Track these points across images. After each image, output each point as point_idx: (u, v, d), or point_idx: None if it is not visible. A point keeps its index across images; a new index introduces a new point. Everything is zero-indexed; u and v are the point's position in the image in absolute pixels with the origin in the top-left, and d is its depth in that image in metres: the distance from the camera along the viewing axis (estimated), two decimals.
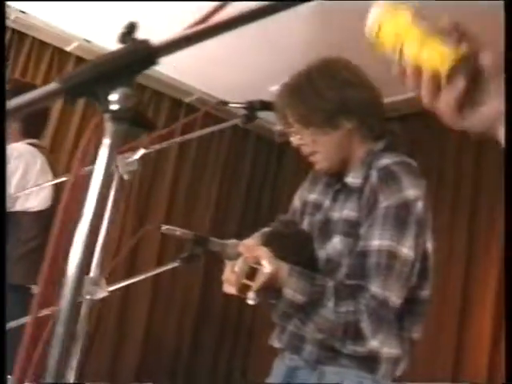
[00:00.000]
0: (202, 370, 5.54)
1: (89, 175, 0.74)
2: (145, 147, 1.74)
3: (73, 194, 0.77)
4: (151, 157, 5.39)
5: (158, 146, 1.83)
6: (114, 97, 0.76)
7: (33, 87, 2.71)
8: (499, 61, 0.91)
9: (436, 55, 0.88)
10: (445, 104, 0.91)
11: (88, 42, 4.93)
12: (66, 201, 0.78)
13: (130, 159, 1.72)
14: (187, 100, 5.57)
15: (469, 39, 0.90)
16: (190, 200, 5.60)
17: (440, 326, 4.38)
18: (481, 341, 4.14)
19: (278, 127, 5.82)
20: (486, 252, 4.30)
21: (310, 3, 0.93)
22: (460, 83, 0.89)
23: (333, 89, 1.85)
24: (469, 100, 0.91)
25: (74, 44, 5.01)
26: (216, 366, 5.63)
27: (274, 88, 5.02)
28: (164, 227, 1.76)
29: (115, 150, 0.74)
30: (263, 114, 5.78)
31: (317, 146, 1.90)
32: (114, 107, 0.75)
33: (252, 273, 1.67)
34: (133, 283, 5.16)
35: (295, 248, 1.89)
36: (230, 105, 1.89)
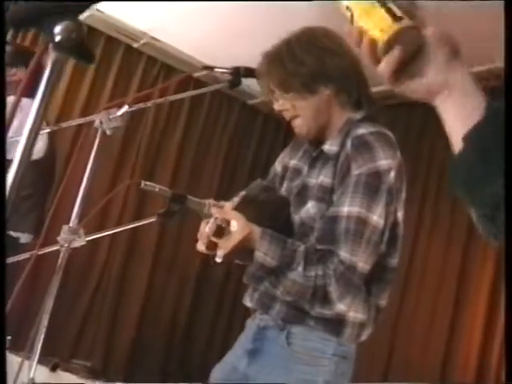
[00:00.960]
0: (199, 341, 5.60)
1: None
2: (129, 104, 1.78)
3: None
4: (160, 122, 5.44)
5: (142, 105, 1.87)
6: (58, 29, 0.80)
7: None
8: (441, 36, 1.01)
9: (378, 24, 0.99)
10: (382, 69, 1.00)
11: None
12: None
13: (114, 115, 1.77)
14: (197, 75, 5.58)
15: (414, 16, 1.00)
16: (196, 170, 5.62)
17: (431, 327, 4.41)
18: (471, 342, 4.16)
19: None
20: (480, 258, 4.32)
21: None
22: (396, 52, 0.98)
23: (311, 54, 1.89)
24: (408, 69, 1.00)
25: None
26: (212, 337, 5.67)
27: None
28: (143, 183, 1.81)
29: (54, 78, 0.78)
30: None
31: (296, 111, 1.93)
32: (57, 38, 0.80)
33: (221, 232, 1.71)
34: (133, 253, 5.24)
35: (270, 213, 1.94)
36: (216, 69, 1.93)
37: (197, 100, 5.60)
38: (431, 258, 4.53)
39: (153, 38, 5.12)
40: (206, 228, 1.72)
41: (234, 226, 1.70)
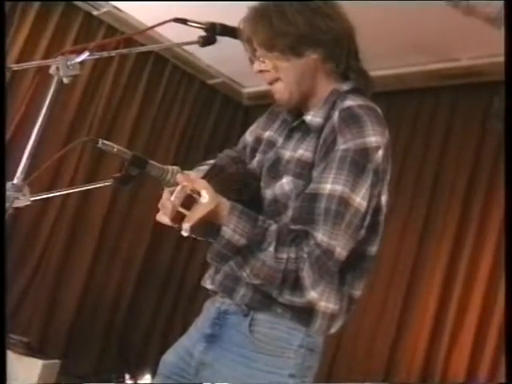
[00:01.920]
0: (140, 325, 5.35)
1: None
2: (90, 51, 1.53)
3: None
4: (119, 88, 5.16)
5: (106, 54, 1.62)
6: None
7: None
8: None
9: None
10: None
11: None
12: None
13: (73, 61, 1.52)
14: None
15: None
16: (152, 142, 5.38)
17: (378, 325, 4.28)
18: (417, 341, 4.05)
19: (247, 90, 5.65)
20: (435, 247, 4.19)
21: None
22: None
23: (302, 14, 1.68)
24: None
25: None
26: (154, 322, 5.45)
27: None
28: (101, 141, 1.57)
29: None
30: (234, 75, 5.55)
31: (278, 73, 1.72)
32: None
33: (189, 202, 1.49)
34: (79, 230, 4.96)
35: (238, 186, 1.72)
36: (189, 23, 1.70)
37: (156, 74, 5.35)
38: (384, 254, 4.40)
39: (114, 7, 4.84)
40: (172, 197, 1.49)
41: (205, 196, 1.47)
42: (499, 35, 3.85)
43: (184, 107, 5.56)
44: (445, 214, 4.15)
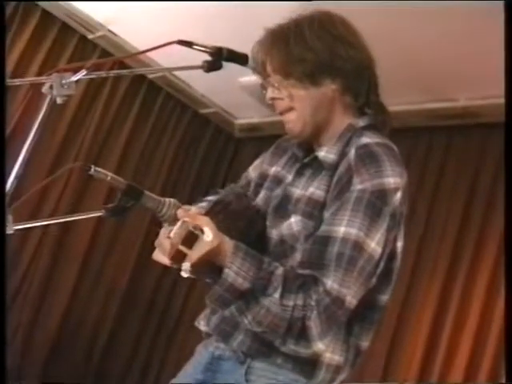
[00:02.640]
0: (120, 355, 5.10)
1: None
2: (87, 69, 1.38)
3: None
4: (110, 113, 4.98)
5: (103, 73, 1.48)
6: None
7: None
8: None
9: None
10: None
11: None
12: None
13: (68, 80, 1.36)
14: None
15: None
16: (139, 172, 5.16)
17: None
18: (415, 341, 3.88)
19: (239, 121, 5.51)
20: (432, 261, 4.03)
21: None
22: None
23: (323, 41, 1.55)
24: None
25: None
26: (135, 354, 5.19)
27: (243, 79, 4.71)
28: (93, 168, 1.41)
29: None
30: (228, 106, 5.42)
31: (293, 102, 1.59)
32: None
33: (190, 240, 1.33)
34: (62, 253, 4.75)
35: (243, 224, 1.56)
36: (195, 47, 1.55)
37: (149, 101, 5.18)
38: None
39: (110, 31, 4.70)
40: (172, 233, 1.33)
41: (209, 234, 1.31)
42: (497, 77, 3.79)
43: (175, 135, 5.38)
44: (437, 251, 4.02)
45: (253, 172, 1.83)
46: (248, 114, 5.40)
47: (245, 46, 1.60)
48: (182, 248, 1.31)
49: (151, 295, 5.26)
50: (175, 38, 1.54)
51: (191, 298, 5.23)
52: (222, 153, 5.73)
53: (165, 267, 1.46)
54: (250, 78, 4.58)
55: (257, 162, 1.85)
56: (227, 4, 3.87)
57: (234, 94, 4.95)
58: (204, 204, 1.67)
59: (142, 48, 4.46)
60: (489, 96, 3.85)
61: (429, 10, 3.25)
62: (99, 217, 4.28)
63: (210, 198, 1.73)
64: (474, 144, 4.10)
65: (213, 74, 1.58)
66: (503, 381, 3.24)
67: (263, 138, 5.51)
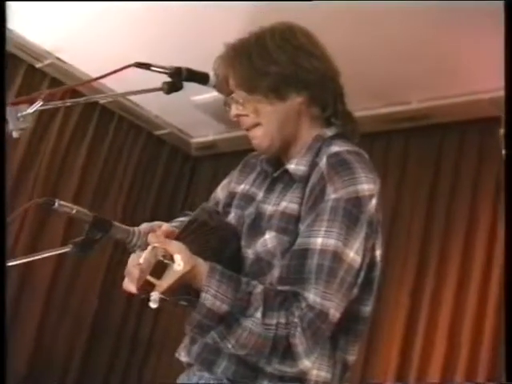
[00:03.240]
0: None
1: None
2: (43, 100, 1.31)
3: None
4: (64, 141, 4.87)
5: (59, 103, 1.41)
6: None
7: None
8: None
9: None
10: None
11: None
12: None
13: (24, 113, 1.29)
14: None
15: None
16: (99, 197, 5.06)
17: None
18: (390, 342, 3.85)
19: (195, 140, 5.44)
20: (401, 261, 4.02)
21: None
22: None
23: (285, 52, 1.51)
24: None
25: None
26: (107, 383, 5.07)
27: (197, 98, 4.65)
28: (57, 203, 1.33)
29: None
30: (182, 126, 5.35)
31: (259, 117, 1.54)
32: None
33: (160, 269, 1.26)
34: (27, 284, 4.60)
35: (216, 243, 1.50)
36: (153, 68, 1.49)
37: (102, 126, 5.09)
38: None
39: (58, 58, 4.60)
40: (141, 259, 1.26)
41: (180, 262, 1.25)
42: (446, 78, 3.82)
43: (131, 158, 5.30)
44: (404, 257, 4.00)
45: (221, 192, 1.77)
46: (203, 132, 5.35)
47: (194, 66, 1.55)
48: (151, 279, 1.25)
49: (119, 324, 5.14)
50: (125, 62, 1.49)
51: (160, 322, 5.14)
52: (179, 172, 5.67)
53: (130, 295, 1.39)
54: (203, 96, 4.54)
55: (224, 182, 1.79)
56: (174, 26, 3.83)
57: (188, 113, 4.90)
58: (176, 224, 1.60)
59: (92, 74, 4.41)
60: (440, 97, 3.88)
61: (373, 14, 3.25)
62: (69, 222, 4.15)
63: (182, 218, 1.67)
64: (431, 144, 4.11)
65: (165, 95, 1.53)
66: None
67: (220, 155, 5.47)
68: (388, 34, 3.41)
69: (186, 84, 1.53)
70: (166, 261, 1.25)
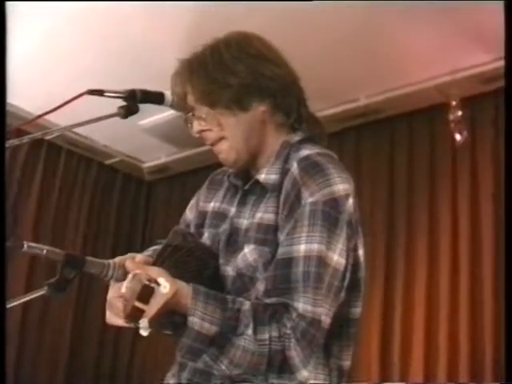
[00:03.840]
0: None
1: None
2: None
3: None
4: (13, 180, 4.72)
5: (16, 141, 1.34)
6: None
7: None
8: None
9: None
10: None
11: None
12: None
13: None
14: None
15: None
16: (57, 232, 4.94)
17: None
18: (369, 341, 3.84)
19: (147, 165, 5.37)
20: (369, 261, 4.00)
21: None
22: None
23: (243, 62, 1.46)
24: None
25: None
26: None
27: (144, 122, 4.58)
28: (27, 244, 1.27)
29: None
30: (132, 152, 5.25)
31: (223, 131, 1.49)
32: None
33: (145, 294, 1.21)
34: None
35: (196, 265, 1.44)
36: (106, 94, 1.44)
37: (51, 163, 4.98)
38: None
39: None
40: (123, 289, 1.20)
41: (165, 285, 1.19)
42: (392, 71, 3.85)
43: (85, 190, 5.20)
44: (372, 257, 3.99)
45: (190, 213, 1.71)
46: (154, 156, 5.28)
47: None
48: (139, 304, 1.19)
49: (96, 359, 5.03)
50: (65, 96, 1.43)
51: (137, 351, 5.04)
52: (135, 198, 5.60)
53: (104, 328, 1.33)
54: (150, 119, 4.48)
55: (192, 202, 1.73)
56: (110, 54, 3.77)
57: (136, 138, 4.83)
58: (150, 253, 1.54)
59: (33, 111, 4.28)
60: (386, 91, 3.90)
61: (313, 19, 3.25)
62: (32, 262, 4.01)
63: (154, 247, 1.61)
64: (383, 138, 4.14)
65: (111, 121, 1.48)
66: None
67: (173, 177, 5.43)
68: (328, 34, 3.41)
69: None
70: (152, 284, 1.20)
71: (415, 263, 3.81)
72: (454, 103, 3.60)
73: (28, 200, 4.83)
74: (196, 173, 5.23)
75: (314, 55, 3.56)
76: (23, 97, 4.32)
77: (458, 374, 3.42)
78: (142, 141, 4.89)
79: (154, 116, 4.34)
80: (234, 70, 1.45)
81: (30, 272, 4.61)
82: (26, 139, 1.47)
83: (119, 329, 1.45)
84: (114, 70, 3.81)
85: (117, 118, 1.46)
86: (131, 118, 1.53)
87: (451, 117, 3.59)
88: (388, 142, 4.12)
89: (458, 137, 3.59)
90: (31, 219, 4.81)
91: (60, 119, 4.11)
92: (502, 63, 3.38)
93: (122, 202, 5.48)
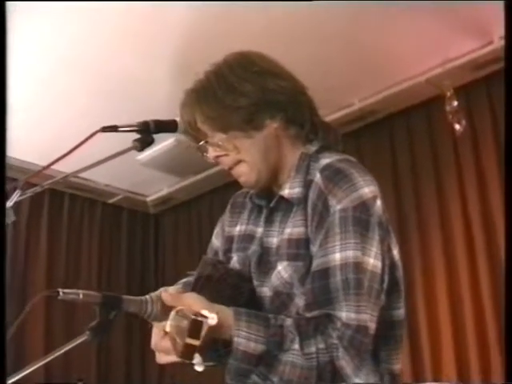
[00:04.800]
0: None
1: None
2: (21, 189, 1.23)
3: None
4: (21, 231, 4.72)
5: (38, 188, 1.34)
6: None
7: None
8: None
9: None
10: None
11: None
12: None
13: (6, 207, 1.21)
14: None
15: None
16: (70, 282, 4.90)
17: None
18: None
19: (150, 198, 5.35)
20: None
21: None
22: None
23: (249, 81, 1.44)
24: None
25: None
26: None
27: (142, 156, 4.56)
28: (62, 291, 1.25)
29: None
30: (134, 187, 5.23)
31: (240, 154, 1.47)
32: None
33: (194, 329, 1.18)
34: None
35: (229, 293, 1.43)
36: (120, 129, 1.44)
37: (55, 209, 4.98)
38: None
39: None
40: (168, 328, 1.18)
41: (213, 316, 1.17)
42: (382, 71, 3.85)
43: (93, 231, 5.20)
44: None
45: (216, 240, 1.69)
46: (156, 188, 5.28)
47: None
48: (191, 341, 1.16)
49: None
50: (61, 143, 1.41)
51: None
52: (144, 232, 5.61)
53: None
54: (147, 152, 4.47)
55: (217, 229, 1.70)
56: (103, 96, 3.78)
57: (136, 173, 4.84)
58: (180, 286, 1.53)
59: (36, 162, 4.25)
60: (379, 91, 3.90)
61: (297, 20, 3.23)
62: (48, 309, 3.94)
63: (184, 280, 1.59)
64: (384, 138, 4.13)
65: (110, 161, 1.47)
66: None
67: (178, 206, 5.43)
68: (313, 39, 3.40)
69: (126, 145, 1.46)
70: (199, 318, 1.17)
71: (431, 257, 3.79)
72: (448, 94, 3.60)
73: (37, 248, 4.82)
74: (200, 199, 5.24)
75: (300, 64, 3.53)
76: (18, 146, 4.32)
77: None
78: (143, 175, 4.90)
79: (150, 149, 4.32)
80: (242, 91, 1.43)
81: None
82: (44, 185, 1.45)
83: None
84: (106, 108, 3.81)
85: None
86: (129, 154, 1.53)
87: (448, 108, 3.59)
88: (388, 142, 4.12)
89: (457, 127, 3.58)
90: (43, 264, 4.80)
91: (60, 165, 4.13)
92: (491, 48, 3.42)
93: (131, 238, 5.49)
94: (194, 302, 1.23)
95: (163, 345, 1.26)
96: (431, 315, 3.70)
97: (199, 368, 1.16)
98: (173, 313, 1.20)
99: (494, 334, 3.40)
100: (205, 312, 1.17)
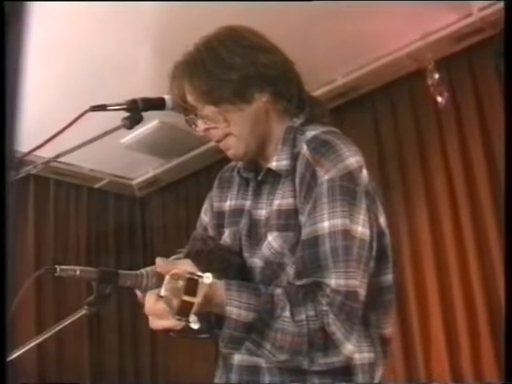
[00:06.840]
0: None
1: None
2: None
3: None
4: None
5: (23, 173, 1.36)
6: None
7: None
8: None
9: None
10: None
11: None
12: None
13: None
14: None
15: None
16: (58, 260, 4.82)
17: None
18: None
19: (136, 181, 5.37)
20: None
21: None
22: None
23: (239, 54, 1.47)
24: None
25: None
26: None
27: (126, 139, 4.56)
28: (59, 268, 1.29)
29: None
30: (119, 171, 5.22)
31: (229, 127, 1.50)
32: None
33: (190, 288, 1.19)
34: None
35: (220, 265, 1.47)
36: (109, 108, 1.46)
37: (41, 194, 4.97)
38: None
39: None
40: (164, 292, 1.20)
41: (208, 275, 1.20)
42: (363, 47, 3.87)
43: (80, 216, 5.20)
44: None
45: (205, 216, 1.72)
46: (142, 171, 5.28)
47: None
48: (188, 298, 1.19)
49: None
50: (43, 128, 1.40)
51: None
52: (131, 215, 5.61)
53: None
54: (130, 135, 4.48)
55: (205, 206, 1.73)
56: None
57: (121, 157, 4.83)
58: (179, 256, 1.56)
59: (22, 149, 4.26)
60: (361, 67, 3.93)
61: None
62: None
63: (174, 256, 1.63)
64: (366, 114, 4.17)
65: (94, 145, 1.48)
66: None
67: (164, 188, 5.43)
68: (292, 17, 3.42)
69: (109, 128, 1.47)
70: (195, 277, 1.20)
71: (417, 226, 3.85)
72: (429, 67, 3.64)
73: (25, 232, 4.80)
74: (186, 180, 5.26)
75: (283, 41, 3.55)
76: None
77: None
78: (127, 158, 4.89)
79: (134, 131, 4.33)
80: (232, 64, 1.46)
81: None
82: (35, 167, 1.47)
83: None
84: (85, 91, 3.80)
85: (98, 141, 1.47)
86: (112, 137, 1.54)
87: (429, 81, 3.63)
88: (372, 117, 4.14)
89: (439, 99, 3.62)
90: (31, 248, 4.79)
91: (43, 151, 4.14)
92: (471, 20, 3.46)
93: (118, 222, 5.48)
94: (188, 266, 1.26)
95: (157, 307, 1.25)
96: (418, 280, 3.78)
97: (195, 326, 1.18)
98: (167, 277, 1.22)
99: (480, 295, 3.48)
100: (199, 272, 1.21)
